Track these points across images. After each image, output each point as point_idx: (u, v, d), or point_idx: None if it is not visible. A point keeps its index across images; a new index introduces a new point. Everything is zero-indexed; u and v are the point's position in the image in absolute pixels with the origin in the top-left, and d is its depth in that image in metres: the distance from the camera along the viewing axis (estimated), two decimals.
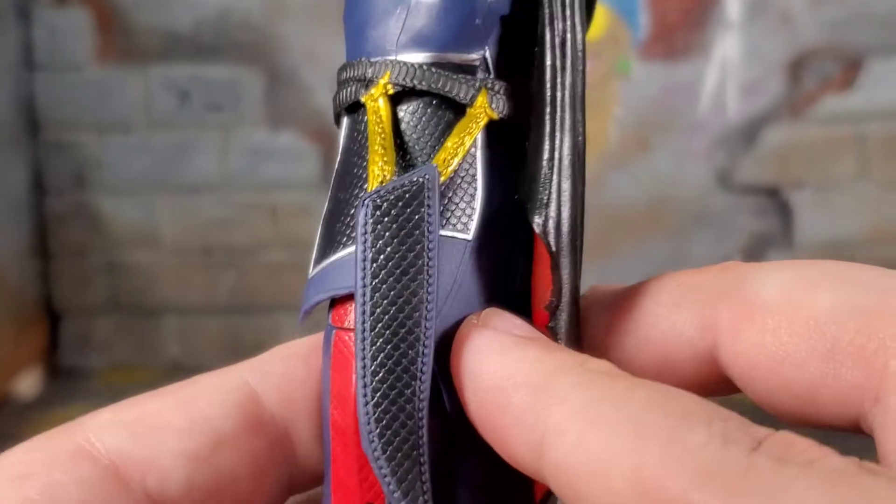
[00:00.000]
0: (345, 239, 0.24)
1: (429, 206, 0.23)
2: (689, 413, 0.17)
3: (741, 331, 0.20)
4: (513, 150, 0.25)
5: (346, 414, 0.22)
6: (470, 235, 0.23)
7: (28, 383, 1.54)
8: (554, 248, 0.23)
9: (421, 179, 0.23)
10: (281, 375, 0.24)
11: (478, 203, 0.24)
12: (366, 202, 0.23)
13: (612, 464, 0.16)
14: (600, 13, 1.63)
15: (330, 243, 0.24)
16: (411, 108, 0.25)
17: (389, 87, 0.24)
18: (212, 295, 1.65)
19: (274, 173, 1.61)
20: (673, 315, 0.22)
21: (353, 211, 0.24)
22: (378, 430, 0.21)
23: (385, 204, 0.23)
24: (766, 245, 1.62)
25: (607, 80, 1.63)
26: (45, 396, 1.55)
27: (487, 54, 0.25)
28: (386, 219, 0.22)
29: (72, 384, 1.59)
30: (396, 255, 0.22)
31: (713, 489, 0.15)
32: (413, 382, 0.21)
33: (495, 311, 0.22)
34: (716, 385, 0.22)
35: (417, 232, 0.22)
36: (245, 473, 0.23)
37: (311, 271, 0.24)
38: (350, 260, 0.23)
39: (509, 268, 0.25)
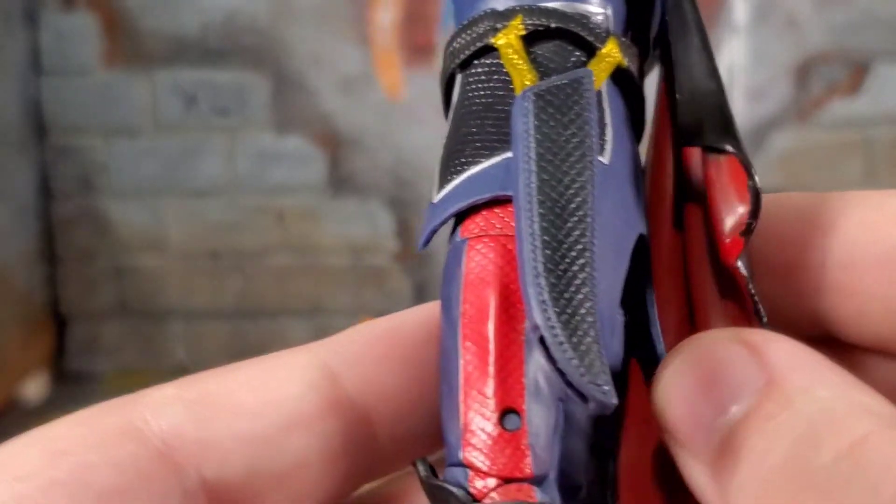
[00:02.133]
0: (477, 158, 0.23)
1: (588, 102, 0.22)
2: None
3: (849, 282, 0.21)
4: (624, 106, 0.26)
5: (481, 318, 0.21)
6: (607, 160, 0.23)
7: (35, 387, 1.54)
8: (748, 162, 0.23)
9: (580, 77, 0.23)
10: (361, 355, 0.22)
11: (609, 136, 0.24)
12: (527, 94, 0.22)
13: None
14: None
15: (456, 167, 0.24)
16: (542, 48, 0.25)
17: (521, 27, 0.25)
18: (219, 299, 1.65)
19: (281, 177, 1.61)
20: None
21: (486, 131, 0.24)
22: (551, 295, 0.19)
23: (547, 96, 0.22)
24: None
25: None
26: (51, 400, 1.55)
27: (610, 12, 0.26)
28: (549, 108, 0.22)
29: (79, 388, 1.59)
30: (560, 139, 0.21)
31: None
32: (585, 254, 0.20)
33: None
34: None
35: (579, 119, 0.22)
36: (316, 459, 0.21)
37: (437, 196, 0.24)
38: (488, 172, 0.23)
39: (631, 218, 0.24)
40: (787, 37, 1.59)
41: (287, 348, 0.23)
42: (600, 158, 0.23)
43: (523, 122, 0.22)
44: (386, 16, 1.58)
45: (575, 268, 0.20)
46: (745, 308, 0.22)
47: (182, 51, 1.60)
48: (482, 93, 0.25)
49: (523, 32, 0.25)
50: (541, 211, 0.20)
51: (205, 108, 1.62)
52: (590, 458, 0.22)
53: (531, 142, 0.21)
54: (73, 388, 1.60)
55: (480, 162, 0.23)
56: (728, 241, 0.23)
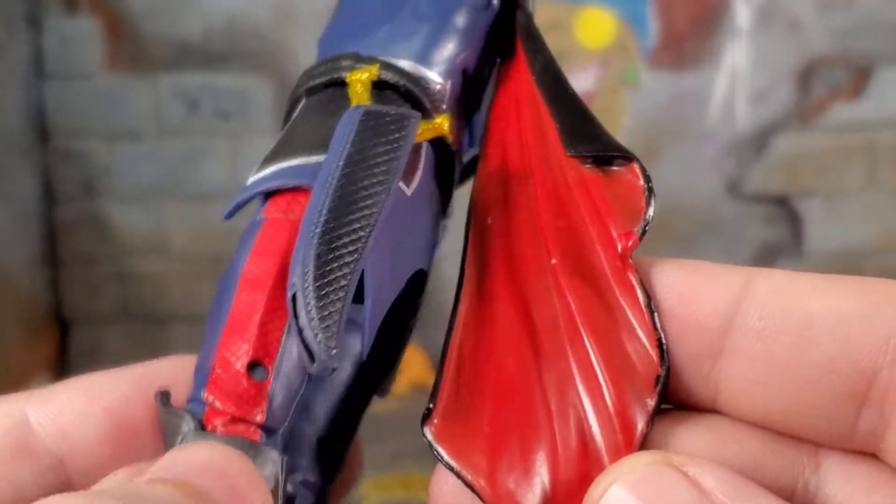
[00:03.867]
0: (297, 153, 0.26)
1: (406, 137, 0.25)
2: None
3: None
4: (435, 168, 0.29)
5: (261, 281, 0.23)
6: (410, 192, 0.26)
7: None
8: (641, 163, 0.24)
9: (409, 115, 0.25)
10: (59, 408, 0.24)
11: (417, 176, 0.27)
12: (359, 108, 0.25)
13: None
14: (608, 21, 1.64)
15: (274, 159, 0.26)
16: (386, 98, 0.28)
17: (376, 74, 0.28)
18: None
19: None
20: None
21: (313, 134, 0.26)
22: (315, 263, 0.22)
23: (376, 116, 0.25)
24: (776, 254, 1.61)
25: (615, 89, 1.63)
26: None
27: (448, 86, 0.29)
28: (372, 126, 0.24)
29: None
30: (371, 154, 0.24)
31: None
32: (357, 250, 0.22)
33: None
34: None
35: (393, 147, 0.24)
36: (7, 500, 0.23)
37: (256, 175, 0.26)
38: (301, 166, 0.25)
39: (417, 251, 0.27)
40: (790, 40, 1.59)
41: None
42: (404, 187, 0.26)
43: (346, 128, 0.24)
44: None
45: (344, 252, 0.22)
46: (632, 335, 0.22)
47: (185, 55, 1.60)
48: (320, 108, 0.28)
49: (375, 79, 0.28)
50: (331, 203, 0.23)
51: (207, 113, 1.62)
52: (333, 420, 0.26)
53: (346, 145, 0.24)
54: None
55: (297, 157, 0.26)
56: (623, 237, 0.23)
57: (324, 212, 0.23)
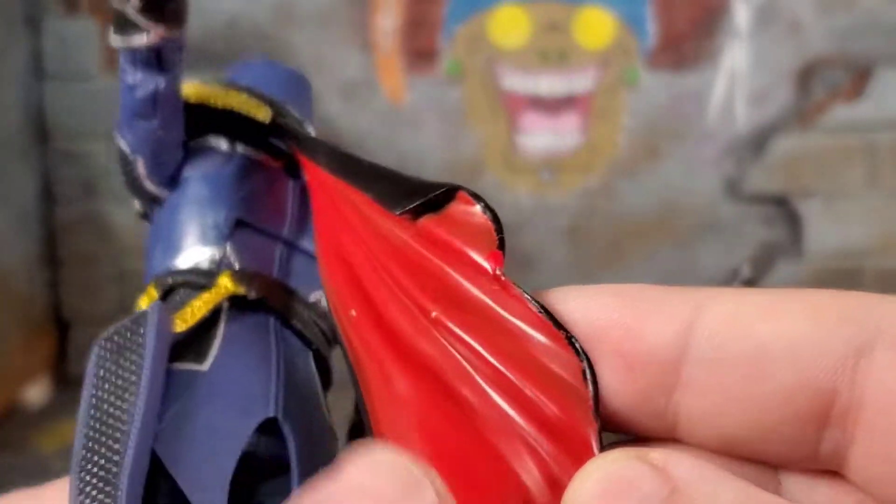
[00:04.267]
0: None
1: (146, 333, 0.27)
2: None
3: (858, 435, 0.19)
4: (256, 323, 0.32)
5: None
6: (205, 367, 0.28)
7: (37, 392, 1.54)
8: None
9: (140, 316, 0.27)
10: None
11: (215, 348, 0.29)
12: (98, 341, 0.27)
13: None
14: (608, 22, 1.64)
15: None
16: (177, 295, 0.32)
17: (154, 294, 0.32)
18: None
19: None
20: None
21: None
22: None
23: (113, 338, 0.27)
24: (775, 254, 1.61)
25: (615, 90, 1.63)
26: (53, 405, 1.55)
27: (228, 249, 0.33)
28: (111, 352, 0.26)
29: (80, 393, 1.59)
30: (117, 380, 0.26)
31: None
32: (108, 486, 0.24)
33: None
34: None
35: (136, 355, 0.26)
36: None
37: None
38: None
39: (239, 419, 0.28)
40: (789, 41, 1.59)
41: None
42: (196, 367, 0.28)
43: (91, 367, 0.27)
44: (388, 21, 1.58)
45: (111, 475, 0.24)
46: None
47: (184, 55, 1.60)
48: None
49: (160, 293, 0.32)
50: (88, 433, 0.25)
51: None
52: None
53: (93, 384, 0.26)
54: (74, 392, 1.58)
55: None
56: (489, 259, 0.23)
57: (78, 455, 0.24)
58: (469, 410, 0.22)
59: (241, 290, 0.31)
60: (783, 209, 1.63)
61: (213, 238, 0.33)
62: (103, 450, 0.24)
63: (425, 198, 0.24)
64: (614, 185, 1.61)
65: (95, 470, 0.24)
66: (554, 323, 0.21)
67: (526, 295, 0.22)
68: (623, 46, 1.62)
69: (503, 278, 0.22)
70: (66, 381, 1.63)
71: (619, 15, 1.61)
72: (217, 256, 0.33)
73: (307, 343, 0.33)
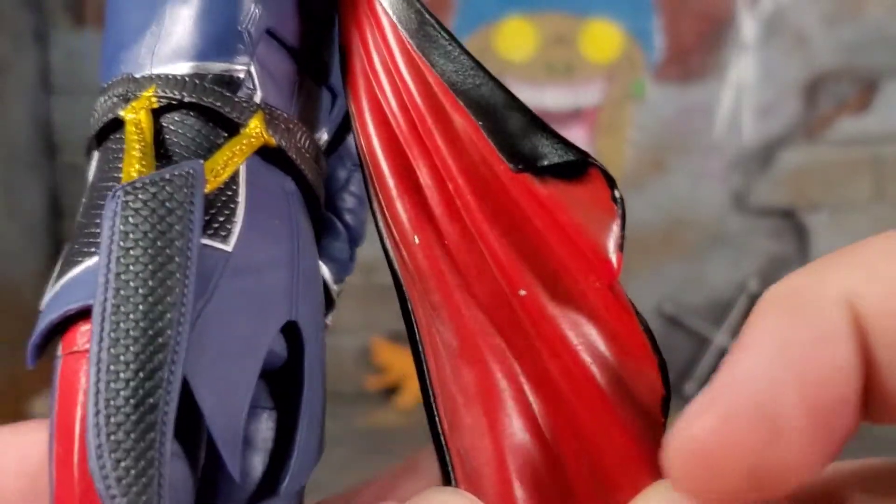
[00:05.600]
0: (81, 256, 0.21)
1: (191, 202, 0.20)
2: None
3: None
4: (286, 184, 0.24)
5: (68, 445, 0.19)
6: (230, 247, 0.21)
7: (44, 404, 1.54)
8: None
9: (184, 172, 0.20)
10: None
11: (239, 219, 0.21)
12: (116, 193, 0.19)
13: None
14: (615, 35, 1.64)
15: (66, 266, 0.21)
16: (176, 122, 0.22)
17: (153, 99, 0.22)
18: None
19: None
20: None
21: (95, 223, 0.21)
22: (109, 444, 0.18)
23: (140, 194, 0.19)
24: (782, 267, 1.61)
25: (622, 103, 1.63)
26: None
27: (253, 69, 0.23)
28: (141, 211, 0.19)
29: None
30: (149, 252, 0.19)
31: None
32: (158, 390, 0.18)
33: None
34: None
35: (177, 228, 0.19)
36: None
37: (44, 299, 0.21)
38: (82, 276, 0.20)
39: (270, 308, 0.22)
40: (796, 54, 1.59)
41: None
42: (221, 246, 0.21)
43: (109, 226, 0.19)
44: None
45: (149, 401, 0.18)
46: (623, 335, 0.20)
47: None
48: (105, 176, 0.23)
49: (156, 106, 0.22)
50: (113, 335, 0.18)
51: None
52: None
53: (114, 250, 0.19)
54: None
55: (81, 262, 0.21)
56: (612, 259, 0.21)
57: (104, 362, 0.18)
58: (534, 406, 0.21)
59: (272, 140, 0.23)
60: (790, 222, 1.62)
61: (234, 43, 0.23)
62: (134, 364, 0.18)
63: (555, 161, 0.21)
64: None
65: (124, 392, 0.18)
66: (652, 344, 0.20)
67: (633, 311, 0.20)
68: (630, 59, 1.62)
69: (617, 286, 0.21)
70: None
71: (626, 28, 1.62)
72: (241, 74, 0.23)
73: (314, 206, 0.25)
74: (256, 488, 0.22)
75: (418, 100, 0.23)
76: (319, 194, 0.25)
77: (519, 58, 1.59)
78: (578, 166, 0.21)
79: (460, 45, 0.22)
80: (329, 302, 0.27)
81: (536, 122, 0.21)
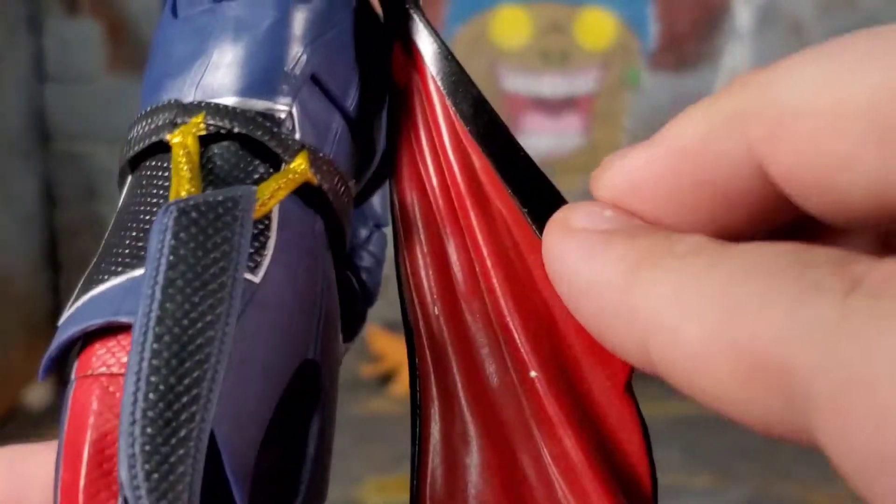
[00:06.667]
0: (108, 274, 0.21)
1: (242, 226, 0.20)
2: (774, 272, 0.15)
3: (777, 148, 0.17)
4: (314, 225, 0.24)
5: (75, 472, 0.19)
6: (257, 279, 0.21)
7: (38, 394, 1.54)
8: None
9: (237, 196, 0.20)
10: None
11: (269, 252, 0.22)
12: (169, 208, 0.19)
13: (708, 356, 0.15)
14: (609, 23, 1.64)
15: (88, 284, 0.21)
16: (222, 154, 0.23)
17: (202, 126, 0.23)
18: None
19: None
20: (714, 148, 0.19)
21: (126, 243, 0.21)
22: (143, 454, 0.18)
23: (193, 212, 0.19)
24: None
25: (616, 91, 1.63)
26: (54, 407, 1.55)
27: (294, 110, 0.24)
28: (193, 228, 0.19)
29: None
30: (197, 269, 0.19)
31: (808, 349, 0.14)
32: (199, 402, 0.18)
33: (576, 208, 0.19)
34: (788, 211, 0.18)
35: (227, 244, 0.19)
36: None
37: (64, 314, 0.21)
38: (108, 293, 0.20)
39: (291, 343, 0.22)
40: (790, 42, 1.59)
41: None
42: (249, 276, 0.21)
43: (159, 239, 0.19)
44: None
45: (183, 416, 0.18)
46: None
47: None
48: (140, 199, 0.23)
49: (203, 132, 0.23)
50: (155, 347, 0.18)
51: None
52: None
53: (162, 263, 0.19)
54: None
55: (106, 280, 0.21)
56: (622, 367, 0.21)
57: (144, 371, 0.18)
58: (524, 479, 0.21)
59: (314, 179, 0.23)
60: None
61: (278, 83, 0.23)
62: (173, 378, 0.18)
63: None
64: None
65: (161, 404, 0.18)
66: (648, 453, 0.20)
67: (639, 411, 0.20)
68: (624, 47, 1.62)
69: (629, 391, 0.21)
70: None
71: (621, 16, 1.61)
72: (282, 115, 0.23)
73: (339, 251, 0.25)
74: None
75: (459, 179, 0.23)
76: (346, 241, 0.26)
77: (514, 46, 1.59)
78: None
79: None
80: None
81: (551, 186, 0.23)
